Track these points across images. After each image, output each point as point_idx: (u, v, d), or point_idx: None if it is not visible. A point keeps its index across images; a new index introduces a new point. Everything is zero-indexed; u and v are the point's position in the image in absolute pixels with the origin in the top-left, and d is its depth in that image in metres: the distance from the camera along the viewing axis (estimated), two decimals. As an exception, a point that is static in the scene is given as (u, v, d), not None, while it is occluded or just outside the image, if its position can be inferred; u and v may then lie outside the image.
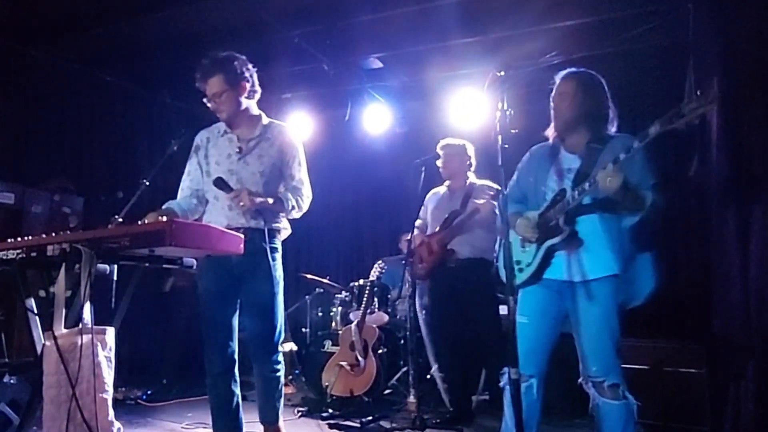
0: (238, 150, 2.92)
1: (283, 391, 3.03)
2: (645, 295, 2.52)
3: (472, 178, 4.31)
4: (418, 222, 4.47)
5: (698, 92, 2.09)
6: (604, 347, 2.44)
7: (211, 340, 2.89)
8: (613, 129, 2.61)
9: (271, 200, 2.86)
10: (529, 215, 2.59)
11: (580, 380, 2.55)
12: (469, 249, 4.10)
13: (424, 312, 4.58)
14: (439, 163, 4.27)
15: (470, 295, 4.03)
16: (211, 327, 2.90)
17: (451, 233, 4.14)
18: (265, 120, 3.03)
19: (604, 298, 2.46)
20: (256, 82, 3.01)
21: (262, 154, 2.94)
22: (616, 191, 2.25)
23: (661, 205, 2.39)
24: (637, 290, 2.52)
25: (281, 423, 3.02)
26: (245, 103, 2.95)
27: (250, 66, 2.99)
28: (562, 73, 2.63)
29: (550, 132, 2.72)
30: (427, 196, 4.41)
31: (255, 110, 3.03)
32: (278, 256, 2.95)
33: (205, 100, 2.93)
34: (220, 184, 2.79)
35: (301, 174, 3.04)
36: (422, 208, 4.43)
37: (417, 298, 4.46)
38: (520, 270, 2.62)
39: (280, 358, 2.99)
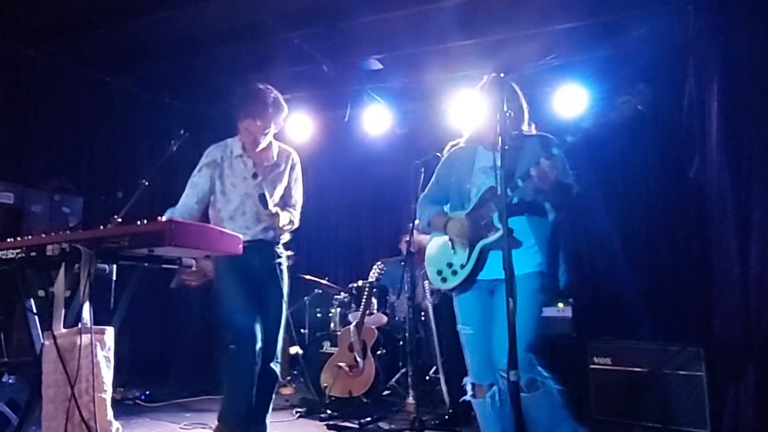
0: (253, 175, 3.08)
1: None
2: (557, 293, 2.54)
3: None
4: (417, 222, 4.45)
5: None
6: (521, 342, 2.32)
7: (241, 338, 2.94)
8: (530, 128, 2.67)
9: (290, 225, 3.15)
10: (459, 215, 2.59)
11: (496, 375, 2.45)
12: None
13: (431, 309, 4.55)
14: None
15: None
16: (243, 327, 2.95)
17: None
18: (275, 146, 3.20)
19: (529, 292, 2.42)
20: None
21: (275, 180, 3.16)
22: (551, 183, 2.31)
23: (581, 197, 2.48)
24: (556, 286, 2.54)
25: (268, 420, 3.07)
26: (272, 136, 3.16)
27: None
28: (485, 79, 2.65)
29: (467, 133, 2.77)
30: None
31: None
32: (284, 263, 3.19)
33: (246, 125, 3.02)
34: (263, 200, 2.98)
35: (299, 194, 3.29)
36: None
37: (427, 297, 4.45)
38: (454, 273, 2.59)
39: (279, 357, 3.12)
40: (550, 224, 2.54)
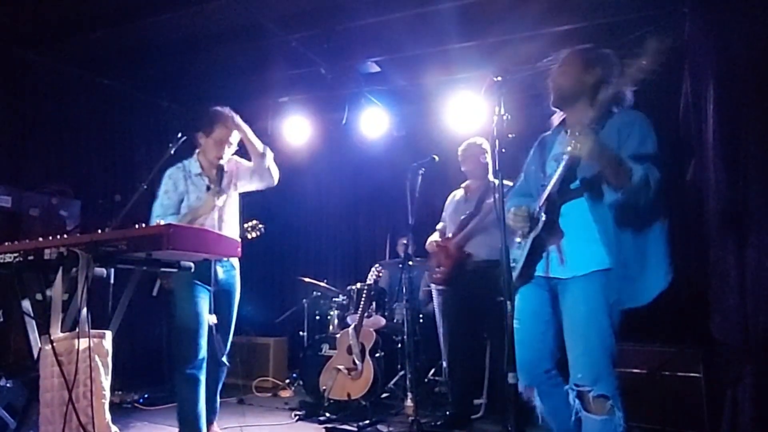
0: (206, 188, 3.31)
1: None
2: (653, 295, 2.24)
3: (491, 178, 4.19)
4: (439, 225, 4.46)
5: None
6: (590, 351, 2.19)
7: (192, 342, 3.17)
8: (623, 104, 2.34)
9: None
10: (526, 206, 2.38)
11: (566, 388, 2.27)
12: (486, 250, 4.02)
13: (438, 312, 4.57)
14: (462, 166, 4.27)
15: (486, 299, 3.78)
16: (196, 331, 3.21)
17: (467, 236, 4.12)
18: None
19: (592, 296, 2.21)
20: None
21: (228, 187, 3.40)
22: (589, 155, 2.04)
23: (658, 178, 2.15)
24: (644, 289, 2.23)
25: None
26: None
27: None
28: (564, 54, 2.49)
29: (556, 117, 2.55)
30: (447, 199, 4.43)
31: None
32: (237, 273, 3.45)
33: (217, 135, 3.27)
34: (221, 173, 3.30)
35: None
36: (444, 211, 4.46)
37: (434, 300, 4.46)
38: (514, 268, 2.43)
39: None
40: (610, 204, 2.20)
